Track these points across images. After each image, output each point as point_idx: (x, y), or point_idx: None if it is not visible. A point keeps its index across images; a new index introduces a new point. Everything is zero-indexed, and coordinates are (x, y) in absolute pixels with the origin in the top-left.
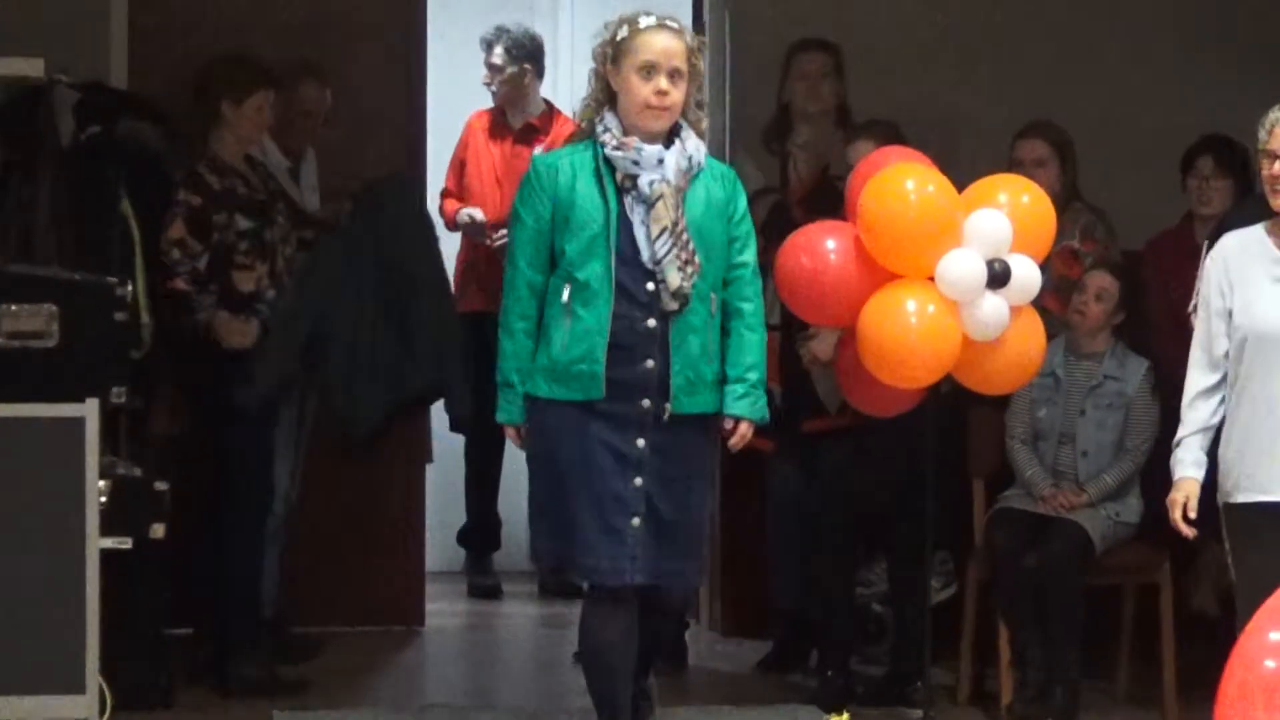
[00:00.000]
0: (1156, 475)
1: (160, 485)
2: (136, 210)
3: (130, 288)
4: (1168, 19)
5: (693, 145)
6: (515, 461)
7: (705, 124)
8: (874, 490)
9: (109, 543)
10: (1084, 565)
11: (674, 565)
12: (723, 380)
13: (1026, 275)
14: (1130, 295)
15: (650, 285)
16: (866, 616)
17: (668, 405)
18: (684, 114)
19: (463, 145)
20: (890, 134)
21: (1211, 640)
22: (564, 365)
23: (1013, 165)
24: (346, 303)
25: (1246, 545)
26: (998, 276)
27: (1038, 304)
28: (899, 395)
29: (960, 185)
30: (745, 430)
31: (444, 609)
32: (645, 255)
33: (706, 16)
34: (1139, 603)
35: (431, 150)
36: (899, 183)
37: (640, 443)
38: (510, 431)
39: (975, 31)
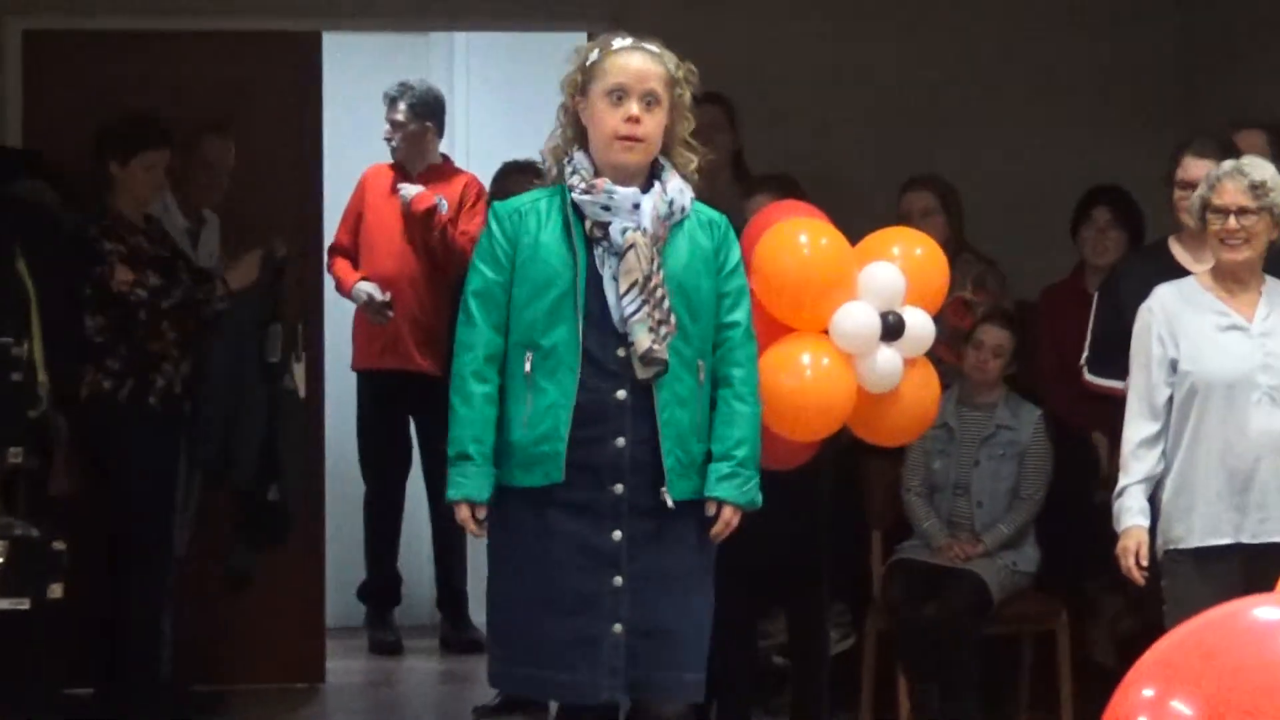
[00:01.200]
0: (1051, 524)
1: (58, 545)
2: (32, 269)
3: (26, 347)
4: (1053, 73)
5: (675, 188)
6: (415, 516)
7: (695, 165)
8: (770, 542)
9: (6, 604)
10: (982, 615)
11: (668, 676)
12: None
13: (920, 327)
14: (1022, 345)
15: (621, 351)
16: (766, 668)
17: (665, 491)
18: (669, 153)
19: (359, 199)
20: (788, 187)
21: (1108, 690)
22: (526, 447)
23: (901, 217)
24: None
25: (1193, 592)
26: (892, 329)
27: (932, 355)
28: (795, 448)
29: (854, 238)
30: (729, 517)
31: (344, 665)
32: (616, 315)
33: None
34: (1037, 652)
35: (328, 207)
36: (792, 237)
37: (617, 535)
38: (463, 511)
39: (866, 85)
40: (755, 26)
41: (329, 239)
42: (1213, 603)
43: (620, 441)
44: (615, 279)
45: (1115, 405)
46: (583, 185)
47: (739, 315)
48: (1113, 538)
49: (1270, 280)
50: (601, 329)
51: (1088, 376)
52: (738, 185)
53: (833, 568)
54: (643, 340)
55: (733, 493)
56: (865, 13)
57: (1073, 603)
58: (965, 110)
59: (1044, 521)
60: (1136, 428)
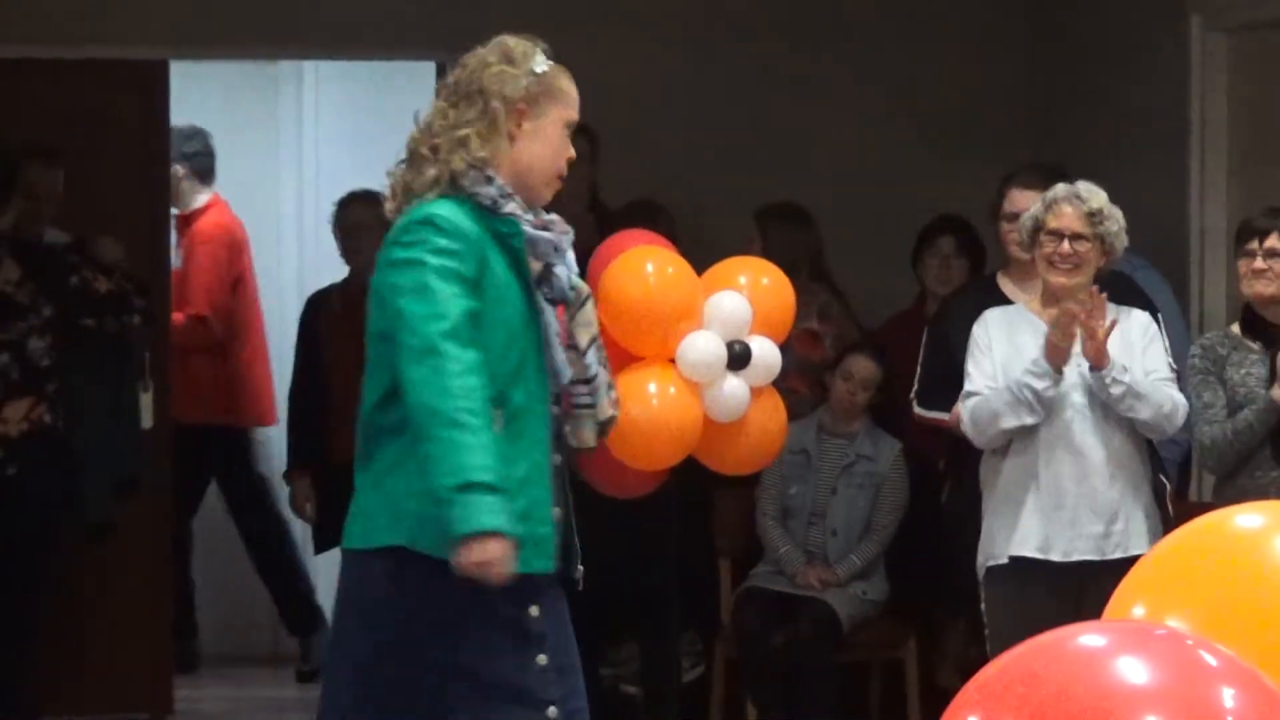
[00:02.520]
0: (900, 552)
1: None
2: None
3: None
4: (898, 105)
5: (568, 227)
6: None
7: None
8: (620, 570)
9: None
10: (831, 644)
11: None
12: None
13: (767, 356)
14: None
15: (555, 410)
16: (616, 697)
17: (581, 569)
18: None
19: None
20: (654, 215)
21: None
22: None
23: (748, 247)
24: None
25: (1011, 608)
26: (738, 358)
27: (783, 385)
28: (642, 477)
29: (701, 268)
30: None
31: (191, 694)
32: (564, 376)
33: None
34: (885, 679)
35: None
36: (639, 266)
37: (534, 611)
38: (495, 548)
39: (715, 115)
40: (613, 56)
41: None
42: (1032, 619)
43: (556, 513)
44: (557, 331)
45: (954, 436)
46: (534, 218)
47: None
48: (956, 566)
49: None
50: (548, 390)
51: (917, 410)
52: (592, 216)
53: (683, 596)
54: (605, 406)
55: None
56: (725, 41)
57: (921, 630)
58: (820, 140)
59: (893, 549)
60: (968, 385)
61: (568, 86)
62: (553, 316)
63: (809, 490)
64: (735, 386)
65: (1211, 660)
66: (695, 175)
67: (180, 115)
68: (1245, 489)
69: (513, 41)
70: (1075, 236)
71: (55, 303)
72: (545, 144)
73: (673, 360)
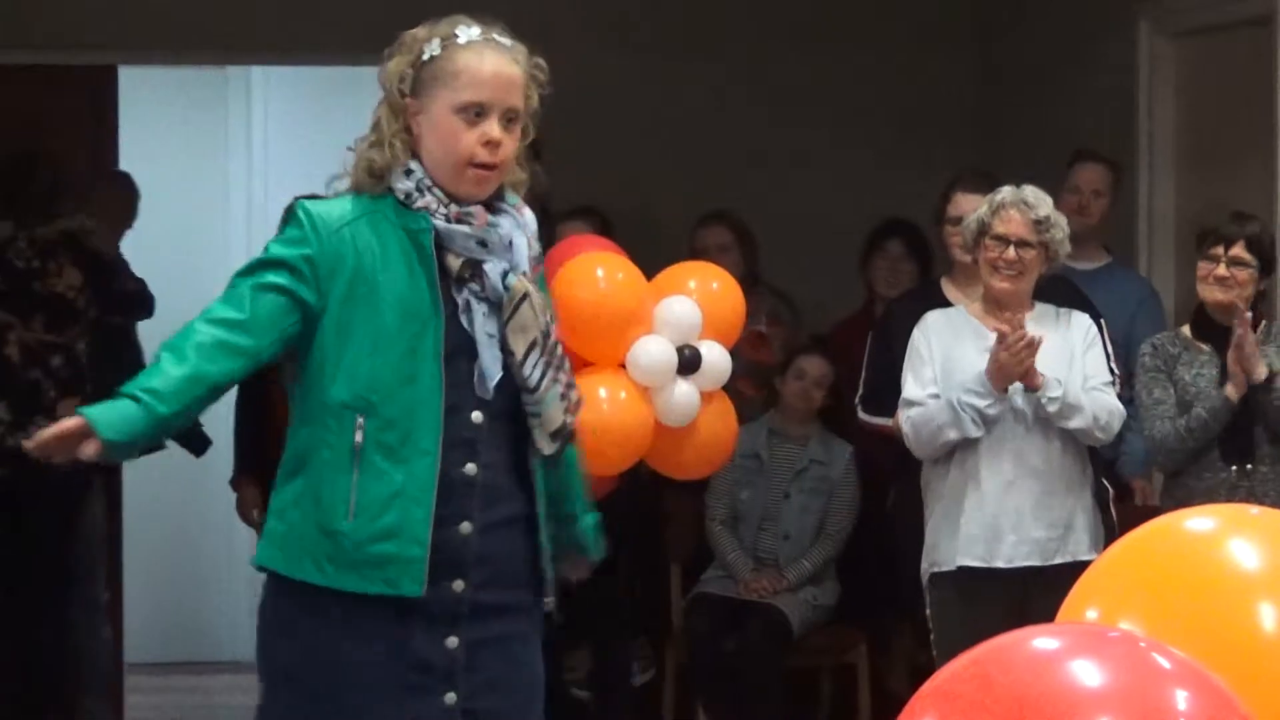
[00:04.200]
0: (851, 558)
1: None
2: None
3: None
4: (847, 110)
5: (531, 218)
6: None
7: (522, 190)
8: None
9: None
10: (782, 649)
11: None
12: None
13: (717, 361)
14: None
15: (477, 416)
16: (567, 701)
17: (550, 600)
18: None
19: None
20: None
21: None
22: (358, 542)
23: (695, 253)
24: None
25: (956, 615)
26: (688, 362)
27: (732, 389)
28: (592, 481)
29: (650, 273)
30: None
31: (141, 702)
32: (491, 379)
33: None
34: (836, 684)
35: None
36: (588, 271)
37: (452, 642)
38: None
39: (664, 121)
40: (561, 63)
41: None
42: (976, 626)
43: (466, 527)
44: (493, 335)
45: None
46: (449, 211)
47: None
48: (902, 571)
49: (1040, 307)
50: (466, 397)
51: (861, 415)
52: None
53: (634, 600)
54: (554, 415)
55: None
56: (672, 52)
57: (872, 635)
58: (770, 145)
59: (843, 554)
60: (906, 394)
61: (460, 64)
62: (482, 317)
63: (760, 495)
64: (685, 391)
65: (1165, 663)
66: (646, 180)
67: (129, 121)
68: (1194, 489)
69: (423, 29)
70: (1021, 243)
71: (100, 306)
72: (439, 136)
73: (623, 365)
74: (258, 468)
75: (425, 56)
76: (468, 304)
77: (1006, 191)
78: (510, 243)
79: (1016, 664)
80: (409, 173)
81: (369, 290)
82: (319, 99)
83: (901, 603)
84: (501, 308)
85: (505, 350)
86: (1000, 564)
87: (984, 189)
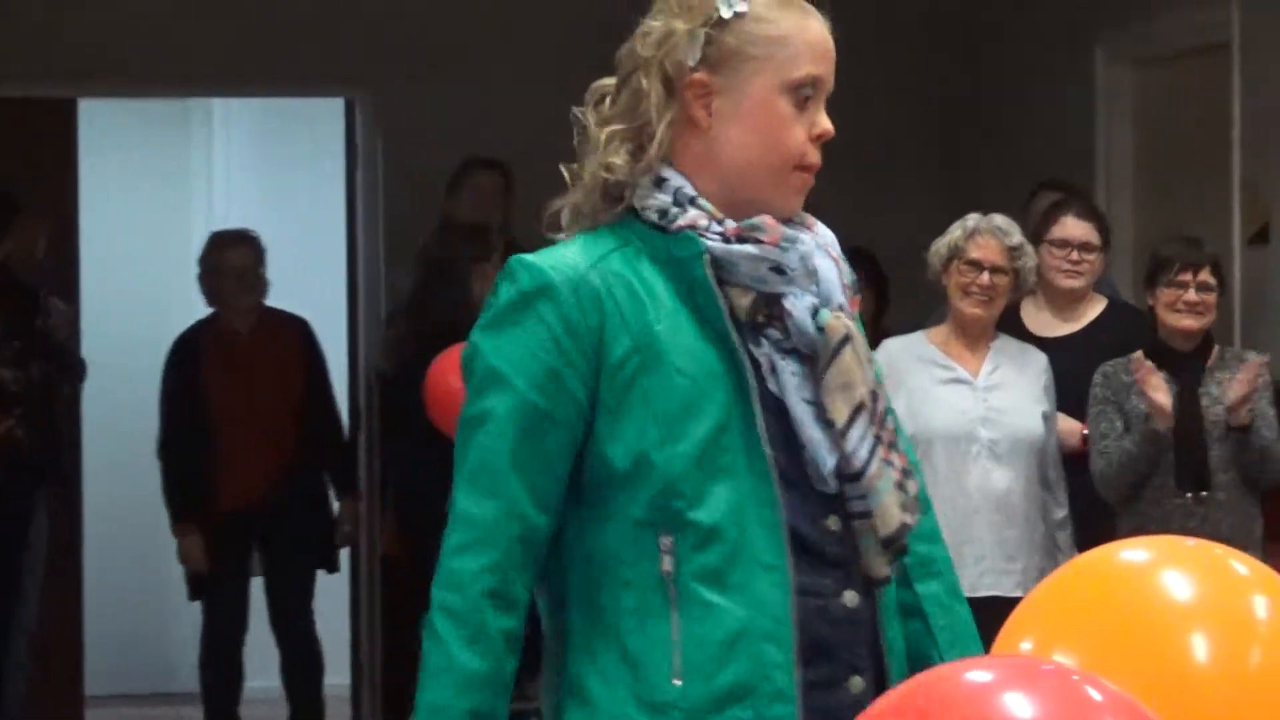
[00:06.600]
0: None
1: None
2: None
3: None
4: None
5: (826, 230)
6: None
7: None
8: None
9: None
10: None
11: None
12: None
13: None
14: None
15: (833, 522)
16: None
17: None
18: None
19: None
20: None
21: None
22: (694, 711)
23: None
24: None
25: None
26: None
27: None
28: None
29: None
30: None
31: None
32: (825, 463)
33: (359, 130)
34: None
35: (83, 275)
36: None
37: None
38: None
39: None
40: (527, 89)
41: (85, 305)
42: None
43: (859, 681)
44: (809, 401)
45: None
46: (723, 229)
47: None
48: None
49: (1002, 338)
50: (798, 487)
51: None
52: (504, 249)
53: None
54: (892, 512)
55: None
56: None
57: None
58: None
59: None
60: None
61: (792, 26)
62: (792, 376)
63: None
64: None
65: (1096, 695)
66: None
67: (90, 154)
68: (1149, 517)
69: None
70: (995, 269)
71: (22, 340)
72: (750, 124)
73: None
74: (197, 512)
75: (726, 13)
76: (770, 360)
77: (976, 218)
78: (814, 268)
79: (950, 696)
80: (661, 182)
81: (648, 357)
82: (279, 130)
83: None
84: (814, 359)
85: (824, 420)
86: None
87: (1093, 217)
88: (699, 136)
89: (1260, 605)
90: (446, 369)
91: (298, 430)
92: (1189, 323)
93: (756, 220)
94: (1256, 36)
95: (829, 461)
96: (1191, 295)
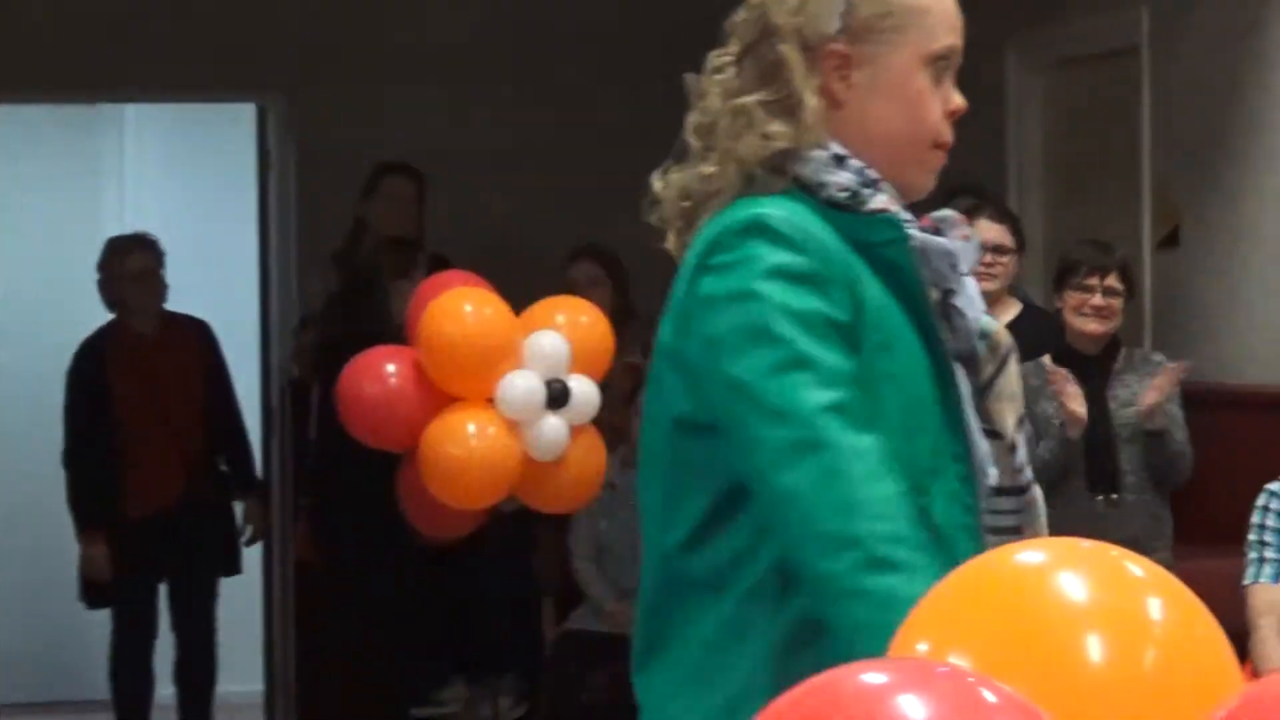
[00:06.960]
0: None
1: None
2: None
3: None
4: None
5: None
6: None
7: None
8: (440, 612)
9: None
10: None
11: None
12: None
13: (585, 395)
14: None
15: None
16: None
17: None
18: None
19: None
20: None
21: None
22: None
23: (568, 287)
24: None
25: None
26: (557, 397)
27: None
28: (460, 516)
29: (521, 309)
30: None
31: None
32: (990, 475)
33: (271, 135)
34: None
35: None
36: (456, 306)
37: None
38: None
39: (538, 155)
40: (438, 97)
41: None
42: None
43: None
44: (974, 404)
45: None
46: (920, 218)
47: None
48: None
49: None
50: (976, 500)
51: None
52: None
53: (506, 635)
54: (1044, 532)
55: None
56: (548, 86)
57: None
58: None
59: None
60: None
61: (926, 2)
62: (963, 380)
63: (619, 525)
64: (555, 425)
65: (991, 697)
66: (516, 215)
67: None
68: (1060, 519)
69: None
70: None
71: None
72: (892, 98)
73: (491, 400)
74: (103, 520)
75: None
76: (951, 362)
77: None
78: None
79: (844, 698)
80: (840, 159)
81: (883, 340)
82: (190, 135)
83: None
84: (976, 366)
85: (987, 431)
86: None
87: (1007, 219)
88: (835, 110)
89: (1155, 607)
90: (360, 374)
91: (204, 434)
92: (1094, 327)
93: (945, 212)
94: (1166, 40)
95: (994, 474)
96: (1098, 299)
